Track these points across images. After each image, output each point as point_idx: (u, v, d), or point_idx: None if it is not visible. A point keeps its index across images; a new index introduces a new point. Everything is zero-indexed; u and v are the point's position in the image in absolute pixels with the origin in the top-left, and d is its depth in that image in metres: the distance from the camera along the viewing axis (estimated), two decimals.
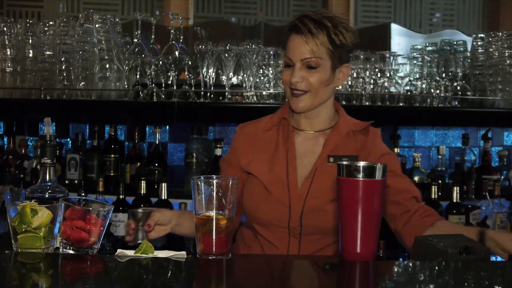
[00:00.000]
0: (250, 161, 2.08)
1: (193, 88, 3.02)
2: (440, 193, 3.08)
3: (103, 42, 2.98)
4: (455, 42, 3.49)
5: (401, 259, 2.91)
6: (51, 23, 3.10)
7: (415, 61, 3.27)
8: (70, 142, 3.40)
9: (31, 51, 3.10)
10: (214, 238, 1.56)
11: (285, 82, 2.03)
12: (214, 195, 1.56)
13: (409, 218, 2.01)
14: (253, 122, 2.18)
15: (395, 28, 4.22)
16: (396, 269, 1.60)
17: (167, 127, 3.34)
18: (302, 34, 1.97)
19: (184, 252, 1.62)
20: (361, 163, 1.58)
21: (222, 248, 1.56)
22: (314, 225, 2.01)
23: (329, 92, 2.06)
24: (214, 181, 1.56)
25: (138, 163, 3.14)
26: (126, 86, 3.06)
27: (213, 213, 1.56)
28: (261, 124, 2.15)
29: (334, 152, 2.05)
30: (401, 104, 3.12)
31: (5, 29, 3.09)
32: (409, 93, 3.23)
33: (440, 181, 3.17)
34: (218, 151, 3.07)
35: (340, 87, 3.11)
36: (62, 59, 3.03)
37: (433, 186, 3.05)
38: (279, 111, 2.15)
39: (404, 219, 2.02)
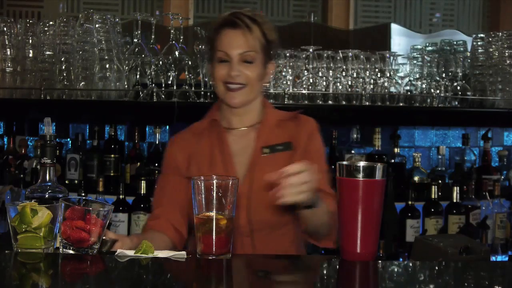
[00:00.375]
0: (188, 168, 2.10)
1: (193, 88, 3.02)
2: (440, 193, 3.08)
3: (103, 42, 2.98)
4: (455, 42, 3.49)
5: (401, 259, 2.91)
6: (51, 23, 3.09)
7: (415, 61, 3.27)
8: (70, 142, 3.39)
9: (31, 51, 3.10)
10: (214, 238, 1.56)
11: (220, 78, 2.03)
12: (214, 195, 1.56)
13: None
14: (183, 131, 2.20)
15: (395, 28, 4.22)
16: (396, 269, 1.60)
17: (167, 127, 3.34)
18: (239, 29, 2.01)
19: (184, 252, 1.62)
20: (361, 163, 1.58)
21: (222, 248, 1.56)
22: (263, 220, 2.02)
23: (261, 87, 2.11)
24: (214, 181, 1.56)
25: (138, 163, 3.14)
26: (126, 86, 3.06)
27: (213, 213, 1.56)
28: (191, 130, 2.16)
29: (267, 143, 2.07)
30: (401, 104, 3.11)
31: (5, 29, 3.09)
32: (409, 93, 3.23)
33: (440, 181, 3.17)
34: None
35: (340, 86, 3.12)
36: (62, 59, 3.03)
37: (433, 186, 3.05)
38: (208, 115, 2.16)
39: None
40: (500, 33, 3.24)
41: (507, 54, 3.19)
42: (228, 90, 2.03)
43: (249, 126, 2.12)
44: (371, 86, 3.14)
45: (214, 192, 1.55)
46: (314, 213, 1.87)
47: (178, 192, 2.08)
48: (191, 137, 2.14)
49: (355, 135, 3.22)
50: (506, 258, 3.15)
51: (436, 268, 1.56)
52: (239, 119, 2.11)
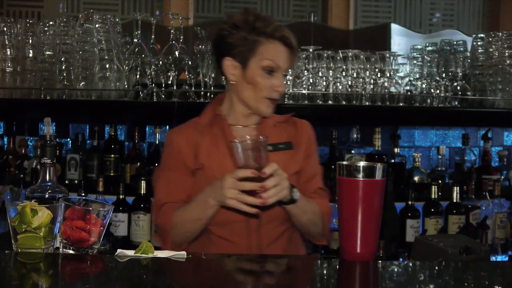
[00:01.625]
0: (196, 159, 2.08)
1: (193, 88, 3.02)
2: (440, 193, 3.08)
3: (103, 42, 2.98)
4: (455, 42, 3.48)
5: (401, 259, 2.91)
6: (51, 23, 3.09)
7: (415, 61, 3.27)
8: (70, 142, 3.39)
9: (31, 51, 3.10)
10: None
11: (266, 88, 2.04)
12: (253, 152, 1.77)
13: None
14: (183, 125, 2.18)
15: (395, 28, 4.22)
16: (396, 269, 1.60)
17: (167, 127, 3.34)
18: (289, 48, 2.04)
19: (184, 252, 1.63)
20: (361, 163, 1.58)
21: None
22: (272, 213, 2.02)
23: None
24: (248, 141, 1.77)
25: (138, 163, 3.14)
26: (126, 86, 3.06)
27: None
28: (192, 125, 2.15)
29: (269, 141, 2.08)
30: (401, 104, 3.11)
31: (5, 29, 3.09)
32: (409, 93, 3.23)
33: (440, 181, 3.17)
34: None
35: (340, 86, 3.12)
36: (62, 59, 3.03)
37: (433, 186, 3.05)
38: (209, 110, 2.15)
39: None
40: (500, 33, 3.23)
41: (507, 54, 3.19)
42: (270, 103, 2.06)
43: (252, 124, 2.14)
44: (371, 86, 3.13)
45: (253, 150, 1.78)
46: (300, 210, 1.97)
47: (183, 190, 2.07)
48: (193, 130, 2.13)
49: (355, 135, 3.22)
50: (506, 258, 3.15)
51: (436, 268, 1.56)
52: (246, 119, 2.13)
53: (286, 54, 2.04)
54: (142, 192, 2.95)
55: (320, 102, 3.04)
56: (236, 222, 2.04)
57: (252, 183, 1.81)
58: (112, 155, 3.13)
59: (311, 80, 3.10)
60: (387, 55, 3.15)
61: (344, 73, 3.13)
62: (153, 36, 3.04)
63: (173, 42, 3.03)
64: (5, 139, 3.42)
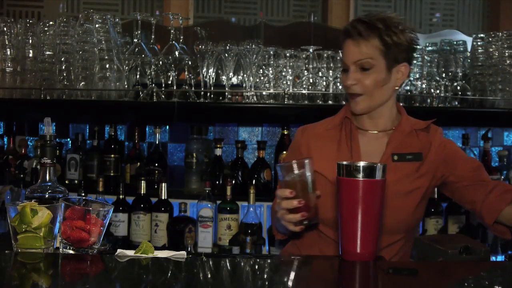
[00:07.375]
0: (315, 160, 1.99)
1: (193, 88, 3.02)
2: (440, 193, 3.08)
3: (103, 42, 2.99)
4: (455, 42, 3.48)
5: None
6: (51, 23, 3.10)
7: (415, 61, 3.27)
8: (70, 142, 3.40)
9: (31, 51, 3.10)
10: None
11: (344, 86, 2.07)
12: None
13: (488, 195, 2.01)
14: (314, 124, 2.18)
15: None
16: (396, 269, 1.60)
17: (167, 127, 3.34)
18: (352, 38, 2.00)
19: (184, 252, 1.62)
20: (361, 163, 1.58)
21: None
22: (387, 223, 1.98)
23: (387, 93, 2.05)
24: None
25: (138, 163, 3.14)
26: (126, 86, 3.06)
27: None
28: (322, 125, 2.15)
29: (398, 150, 2.05)
30: (401, 104, 3.10)
31: (5, 29, 3.10)
32: (409, 93, 3.23)
33: None
34: (218, 151, 3.07)
35: (340, 86, 3.12)
36: (62, 59, 3.04)
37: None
38: (341, 112, 2.14)
39: (482, 197, 2.02)
40: (500, 33, 3.23)
41: (507, 54, 3.19)
42: (350, 98, 2.05)
43: (382, 130, 2.10)
44: None
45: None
46: None
47: None
48: (321, 131, 2.13)
49: None
50: (506, 258, 3.15)
51: (436, 268, 1.56)
52: (372, 122, 2.10)
53: (350, 47, 2.01)
54: (142, 192, 2.95)
55: (320, 102, 3.04)
56: None
57: (292, 201, 1.81)
58: (112, 155, 3.13)
59: (311, 80, 3.10)
60: None
61: None
62: (153, 36, 3.04)
63: (173, 42, 3.03)
64: (5, 139, 3.42)
